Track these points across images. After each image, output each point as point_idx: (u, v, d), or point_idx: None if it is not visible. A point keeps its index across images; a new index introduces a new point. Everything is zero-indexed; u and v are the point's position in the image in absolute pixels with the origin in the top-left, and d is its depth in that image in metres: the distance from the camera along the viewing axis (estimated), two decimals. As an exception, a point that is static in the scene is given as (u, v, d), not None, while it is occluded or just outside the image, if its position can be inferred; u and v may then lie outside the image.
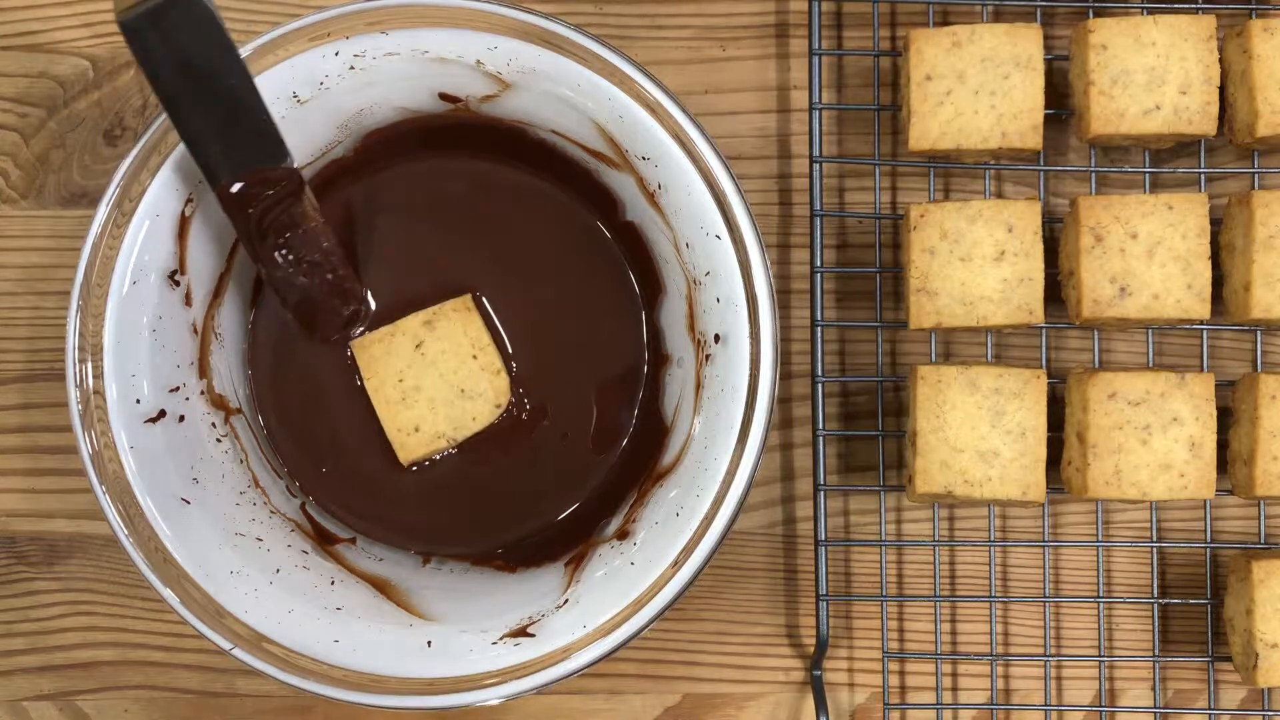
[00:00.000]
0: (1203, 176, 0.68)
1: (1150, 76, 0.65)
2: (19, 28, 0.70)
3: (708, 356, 0.60)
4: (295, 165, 0.60)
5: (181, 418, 0.61)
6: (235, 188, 0.58)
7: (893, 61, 0.70)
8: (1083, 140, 0.67)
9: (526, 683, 0.57)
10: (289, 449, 0.65)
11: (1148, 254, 0.64)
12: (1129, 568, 0.70)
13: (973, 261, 0.64)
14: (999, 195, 0.70)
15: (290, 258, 0.61)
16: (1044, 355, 0.68)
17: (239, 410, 0.64)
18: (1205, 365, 0.68)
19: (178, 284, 0.61)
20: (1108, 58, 0.65)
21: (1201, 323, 0.66)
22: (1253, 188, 0.68)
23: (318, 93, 0.60)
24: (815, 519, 0.68)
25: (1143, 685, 0.69)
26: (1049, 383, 0.66)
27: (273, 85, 0.59)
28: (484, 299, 0.64)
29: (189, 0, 0.55)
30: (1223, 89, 0.66)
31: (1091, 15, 0.68)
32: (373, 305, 0.64)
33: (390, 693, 0.58)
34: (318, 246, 0.61)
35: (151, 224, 0.59)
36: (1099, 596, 0.69)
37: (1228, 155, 0.70)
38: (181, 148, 0.58)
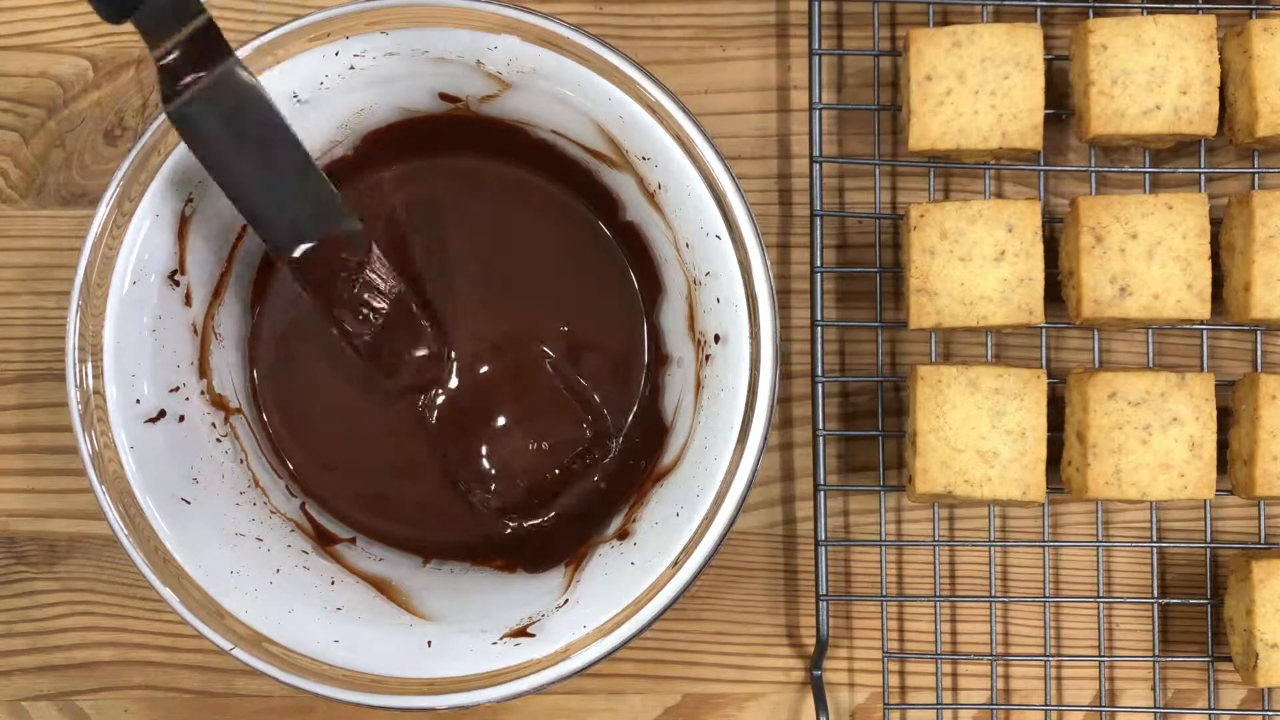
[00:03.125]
0: (1203, 176, 0.68)
1: (1150, 76, 0.65)
2: (19, 28, 0.70)
3: (708, 356, 0.60)
4: (359, 226, 0.60)
5: (181, 418, 0.61)
6: (300, 255, 0.59)
7: (893, 61, 0.70)
8: (1083, 140, 0.67)
9: (526, 683, 0.57)
10: (291, 448, 0.65)
11: (1148, 254, 0.64)
12: (1129, 568, 0.70)
13: (973, 261, 0.64)
14: (999, 195, 0.70)
15: (364, 316, 0.61)
16: (1044, 355, 0.68)
17: (239, 410, 0.64)
18: (1205, 365, 0.68)
19: (178, 284, 0.61)
20: (1108, 58, 0.65)
21: (1201, 323, 0.66)
22: (1253, 188, 0.68)
23: (318, 93, 0.60)
24: (815, 519, 0.68)
25: (1143, 685, 0.69)
26: (1049, 383, 0.66)
27: (273, 85, 0.59)
28: (485, 300, 0.65)
29: (233, 80, 0.55)
30: (1223, 89, 0.66)
31: (1091, 15, 0.68)
32: (452, 355, 0.64)
33: (390, 693, 0.58)
34: (388, 300, 0.62)
35: (151, 224, 0.59)
36: (1099, 596, 0.69)
37: (1228, 155, 0.70)
38: (182, 147, 0.58)
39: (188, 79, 0.55)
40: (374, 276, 0.61)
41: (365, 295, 0.61)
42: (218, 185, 0.57)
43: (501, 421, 0.64)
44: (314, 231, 0.59)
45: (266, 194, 0.58)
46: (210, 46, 0.55)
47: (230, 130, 0.56)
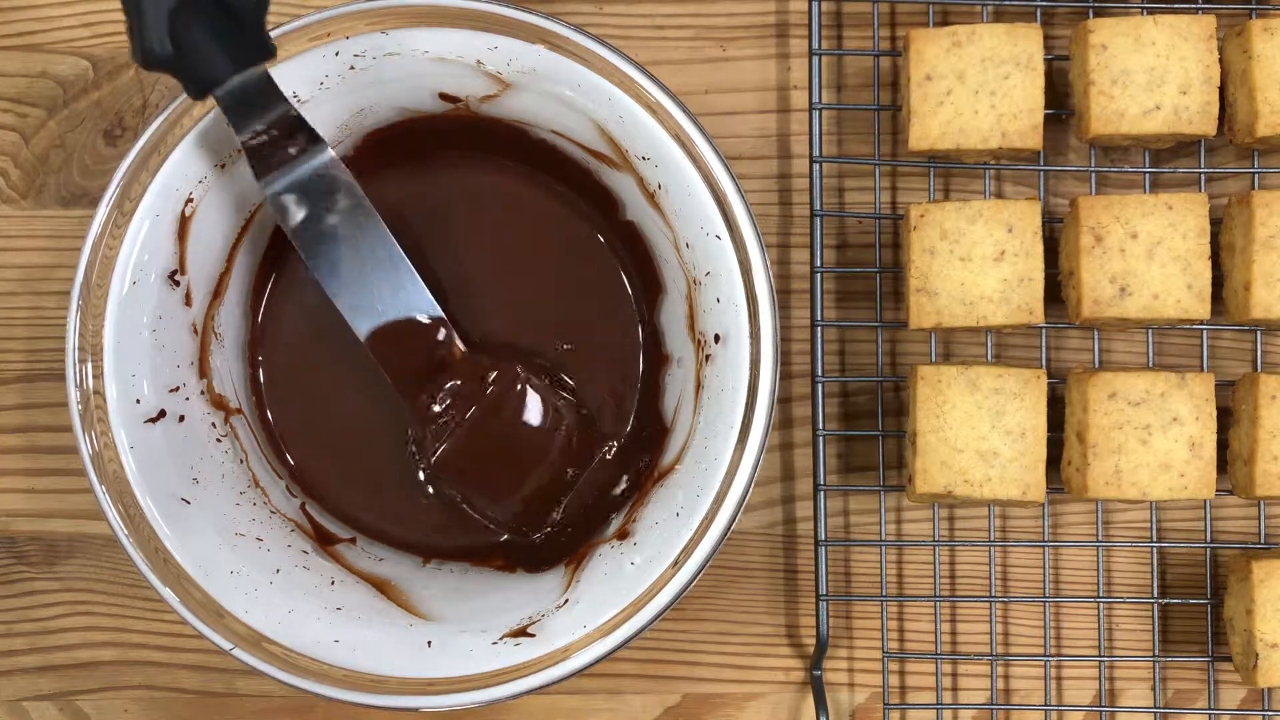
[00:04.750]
0: (1203, 176, 0.68)
1: (1150, 76, 0.65)
2: (19, 28, 0.70)
3: (708, 356, 0.60)
4: (439, 313, 0.62)
5: (181, 418, 0.61)
6: (375, 334, 0.61)
7: (893, 61, 0.70)
8: (1083, 140, 0.67)
9: (526, 683, 0.57)
10: (291, 448, 0.65)
11: (1148, 254, 0.64)
12: (1129, 568, 0.70)
13: (973, 261, 0.64)
14: (999, 195, 0.70)
15: (440, 404, 0.62)
16: (1044, 355, 0.68)
17: (239, 410, 0.64)
18: (1205, 365, 0.68)
19: (178, 284, 0.61)
20: (1108, 58, 0.65)
21: (1201, 323, 0.66)
22: (1253, 188, 0.68)
23: (318, 93, 0.60)
24: (815, 519, 0.68)
25: (1143, 685, 0.69)
26: (1049, 383, 0.66)
27: (273, 85, 0.59)
28: (485, 301, 0.65)
29: (326, 172, 0.59)
30: (1223, 89, 0.66)
31: (1091, 15, 0.68)
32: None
33: (390, 693, 0.58)
34: (467, 391, 0.62)
35: (151, 224, 0.59)
36: (1099, 596, 0.69)
37: (1228, 155, 0.70)
38: (181, 147, 0.58)
39: (276, 163, 0.58)
40: (450, 368, 0.62)
41: (441, 378, 0.62)
42: (308, 265, 0.60)
43: (510, 437, 0.64)
44: (392, 315, 0.61)
45: (351, 277, 0.60)
46: (296, 134, 0.58)
47: (321, 217, 0.60)
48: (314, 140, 0.59)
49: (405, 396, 0.62)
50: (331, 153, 0.59)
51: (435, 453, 0.62)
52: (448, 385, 0.62)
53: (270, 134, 0.58)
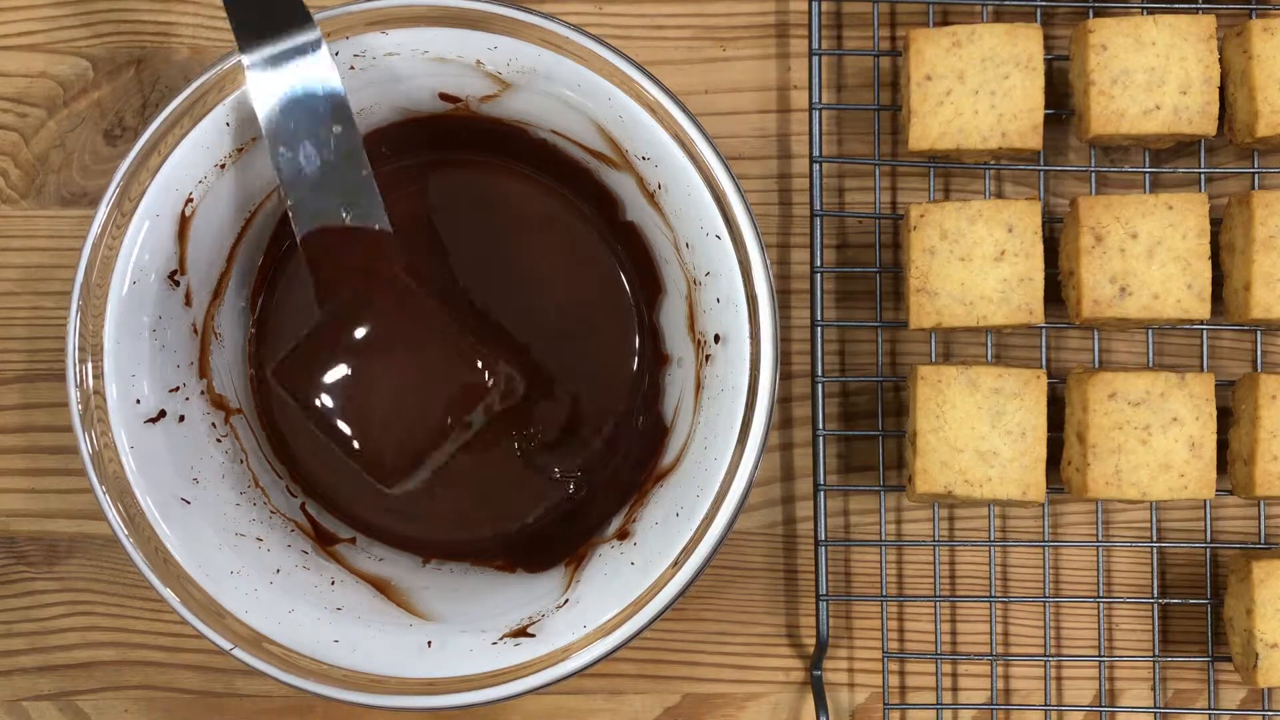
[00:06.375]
0: (1203, 176, 0.68)
1: (1150, 76, 0.65)
2: (19, 28, 0.70)
3: (708, 357, 0.60)
4: (389, 230, 0.60)
5: (181, 418, 0.61)
6: (314, 235, 0.59)
7: (893, 61, 0.70)
8: (1083, 140, 0.67)
9: (526, 683, 0.57)
10: (292, 448, 0.65)
11: (1148, 254, 0.64)
12: (1129, 568, 0.70)
13: (973, 261, 0.64)
14: (999, 195, 0.70)
15: (359, 301, 0.61)
16: (1044, 355, 0.68)
17: (239, 410, 0.64)
18: (1205, 365, 0.68)
19: (178, 284, 0.61)
20: (1108, 58, 0.65)
21: (1201, 323, 0.66)
22: (1253, 188, 0.68)
23: (318, 93, 0.60)
24: (815, 519, 0.68)
25: (1143, 685, 0.69)
26: (1049, 383, 0.66)
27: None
28: (483, 299, 0.64)
29: (310, 58, 0.58)
30: (1223, 89, 0.66)
31: (1091, 15, 0.68)
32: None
33: (390, 693, 0.58)
34: (394, 299, 0.61)
35: (151, 224, 0.59)
36: (1099, 596, 0.69)
37: (1228, 155, 0.70)
38: (181, 147, 0.58)
39: (260, 33, 0.57)
40: (385, 283, 0.61)
41: (369, 293, 0.61)
42: (268, 144, 0.58)
43: (390, 363, 0.62)
44: (341, 218, 0.60)
45: (310, 173, 0.59)
46: (287, 11, 0.57)
47: (294, 98, 0.58)
48: (306, 20, 0.57)
49: (321, 304, 0.61)
50: (321, 37, 0.58)
51: (294, 354, 0.61)
52: (363, 299, 0.61)
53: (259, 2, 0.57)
